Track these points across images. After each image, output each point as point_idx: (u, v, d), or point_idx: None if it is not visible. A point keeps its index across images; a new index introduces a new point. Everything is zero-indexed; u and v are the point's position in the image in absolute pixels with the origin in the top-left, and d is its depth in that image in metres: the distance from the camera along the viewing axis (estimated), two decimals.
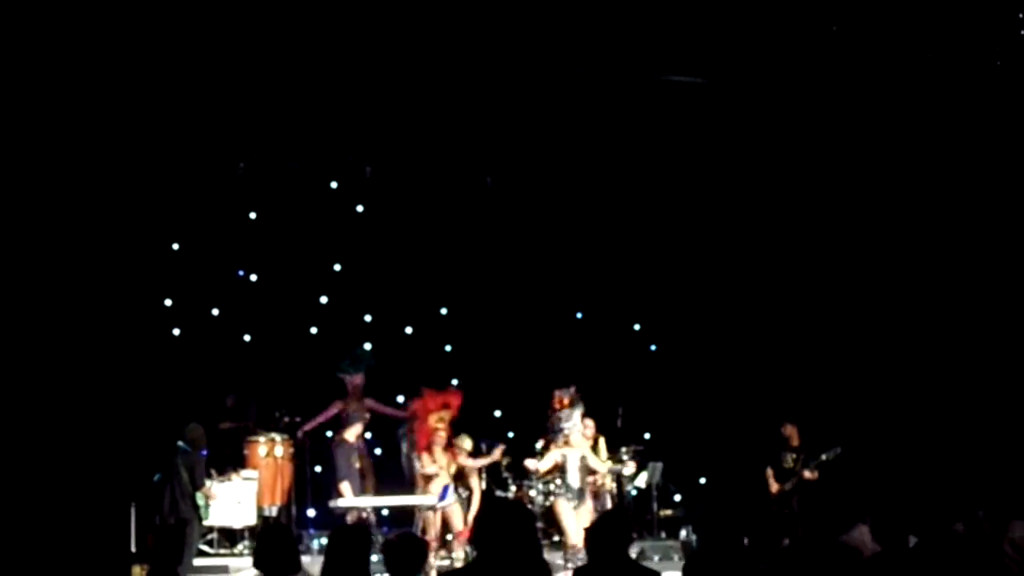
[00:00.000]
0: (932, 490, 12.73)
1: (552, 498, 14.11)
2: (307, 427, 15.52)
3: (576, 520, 13.60)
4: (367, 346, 16.37)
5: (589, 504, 14.17)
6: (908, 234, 15.88)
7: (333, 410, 15.60)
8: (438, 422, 14.76)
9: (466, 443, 15.23)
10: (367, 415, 15.62)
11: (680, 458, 16.75)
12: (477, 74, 14.50)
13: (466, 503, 14.95)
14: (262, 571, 7.19)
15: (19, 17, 12.47)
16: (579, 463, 14.08)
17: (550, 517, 15.43)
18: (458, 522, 14.58)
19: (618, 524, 7.57)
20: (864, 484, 14.43)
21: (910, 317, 15.72)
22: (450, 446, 14.90)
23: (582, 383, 16.45)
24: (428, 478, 14.48)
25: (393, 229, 17.13)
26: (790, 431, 15.47)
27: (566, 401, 14.50)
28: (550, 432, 14.45)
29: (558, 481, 14.04)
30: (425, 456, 14.61)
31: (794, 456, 15.35)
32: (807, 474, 15.03)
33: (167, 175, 15.29)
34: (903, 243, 15.93)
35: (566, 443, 14.14)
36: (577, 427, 14.27)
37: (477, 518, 7.00)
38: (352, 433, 14.81)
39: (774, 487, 15.28)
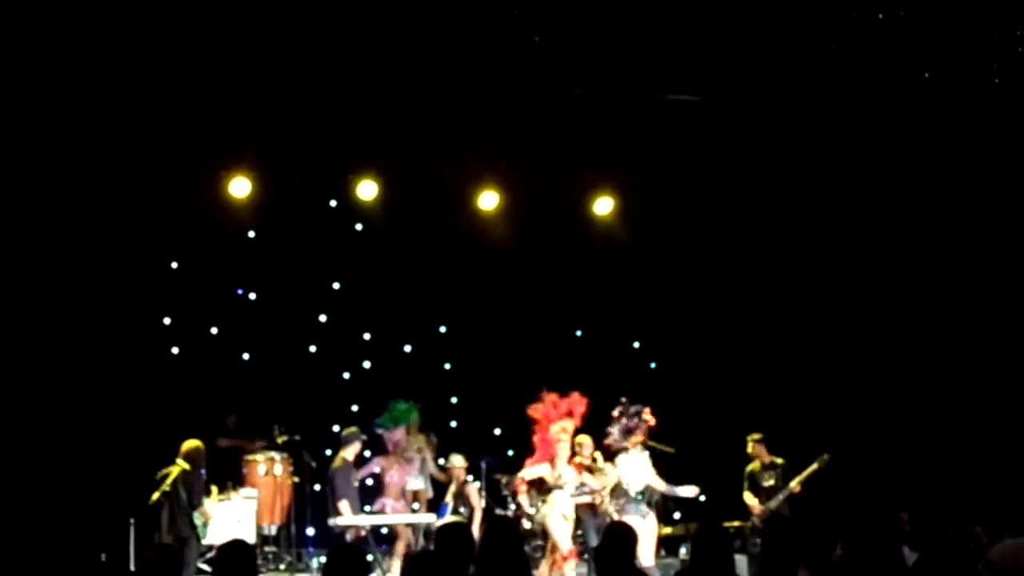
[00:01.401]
0: (929, 505, 12.73)
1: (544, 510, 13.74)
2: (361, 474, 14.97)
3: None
4: (403, 404, 15.17)
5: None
6: (903, 252, 15.92)
7: (374, 467, 15.02)
8: (560, 432, 13.74)
9: (459, 460, 15.21)
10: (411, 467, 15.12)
11: (680, 476, 16.71)
12: (476, 93, 14.52)
13: (467, 521, 14.90)
14: None
15: (21, 32, 12.51)
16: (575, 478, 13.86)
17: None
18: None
19: (624, 538, 7.64)
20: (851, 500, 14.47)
21: (905, 332, 15.75)
22: (573, 456, 13.98)
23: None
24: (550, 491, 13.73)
25: (392, 247, 17.13)
26: (756, 449, 15.39)
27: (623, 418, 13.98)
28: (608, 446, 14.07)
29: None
30: (548, 467, 13.69)
31: (770, 473, 15.29)
32: (795, 487, 14.97)
33: (166, 194, 15.31)
34: (898, 261, 15.97)
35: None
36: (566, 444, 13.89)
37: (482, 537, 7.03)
38: (351, 452, 14.77)
39: (757, 508, 15.18)
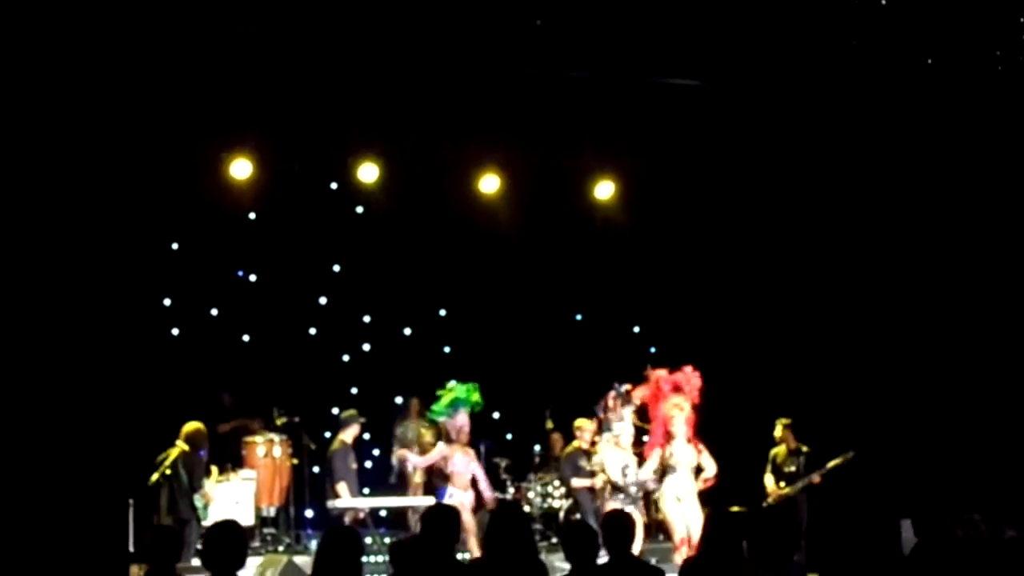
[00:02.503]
0: (929, 493, 12.75)
1: (604, 502, 13.36)
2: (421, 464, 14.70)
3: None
4: (460, 387, 14.37)
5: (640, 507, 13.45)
6: (903, 237, 15.91)
7: (436, 455, 14.36)
8: (673, 408, 13.20)
9: None
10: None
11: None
12: (477, 76, 14.50)
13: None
14: (211, 570, 7.23)
15: (18, 16, 12.48)
16: (635, 464, 13.35)
17: (549, 519, 15.48)
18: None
19: (623, 523, 7.68)
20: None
21: (907, 320, 15.74)
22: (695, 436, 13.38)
23: (581, 385, 16.49)
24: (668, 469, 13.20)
25: (393, 230, 17.13)
26: (784, 433, 15.41)
27: (618, 403, 13.52)
28: (600, 431, 13.75)
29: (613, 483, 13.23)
30: (660, 451, 13.19)
31: (792, 459, 15.29)
32: (815, 478, 14.96)
33: (166, 175, 15.30)
34: (898, 245, 15.96)
35: (616, 444, 13.44)
36: (629, 429, 13.52)
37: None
38: (349, 434, 14.78)
39: (773, 492, 15.20)
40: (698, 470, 13.29)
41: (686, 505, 13.08)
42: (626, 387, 13.53)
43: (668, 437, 13.13)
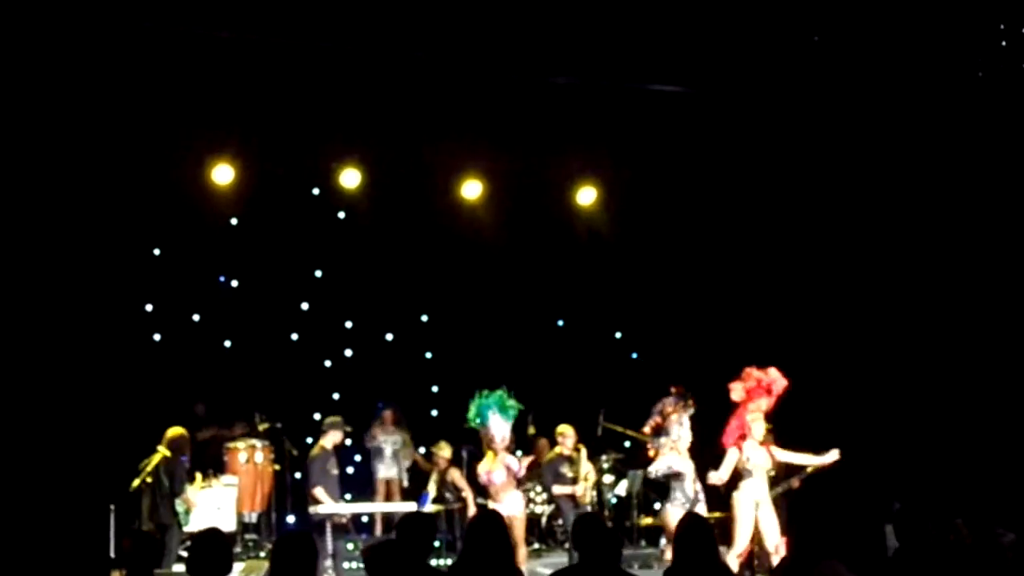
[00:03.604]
0: (911, 496, 12.75)
1: (666, 505, 13.25)
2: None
3: None
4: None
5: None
6: (888, 243, 15.94)
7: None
8: (756, 411, 13.03)
9: (445, 451, 15.18)
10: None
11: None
12: (460, 82, 14.50)
13: (461, 508, 14.87)
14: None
15: (6, 27, 12.46)
16: (693, 471, 13.19)
17: (531, 525, 15.43)
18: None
19: (606, 528, 7.68)
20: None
21: (895, 324, 15.77)
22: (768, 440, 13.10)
23: (563, 391, 16.50)
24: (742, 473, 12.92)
25: (375, 236, 17.12)
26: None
27: (678, 407, 13.36)
28: (658, 435, 13.49)
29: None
30: (736, 453, 12.92)
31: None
32: (795, 483, 14.95)
33: (148, 181, 15.27)
34: (883, 252, 15.98)
35: (673, 449, 13.26)
36: (688, 435, 13.30)
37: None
38: (330, 440, 14.75)
39: None
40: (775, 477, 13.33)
41: (763, 511, 12.87)
42: (676, 392, 13.46)
43: (742, 441, 12.91)
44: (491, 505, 12.78)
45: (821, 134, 15.51)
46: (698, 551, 7.34)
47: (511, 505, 12.81)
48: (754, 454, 12.93)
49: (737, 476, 12.87)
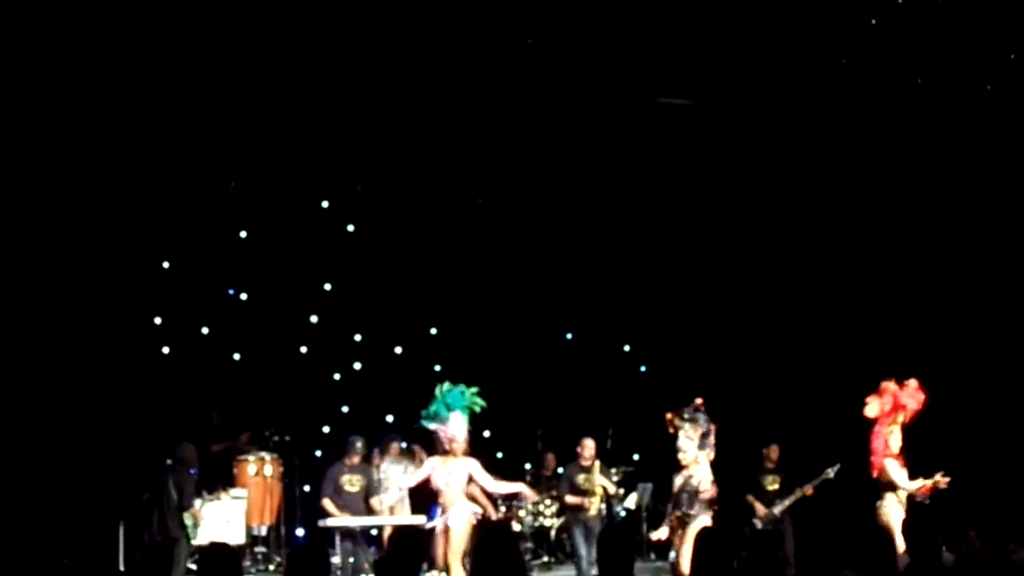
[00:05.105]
0: (923, 511, 12.71)
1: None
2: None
3: None
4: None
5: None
6: (891, 259, 15.95)
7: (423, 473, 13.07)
8: (891, 424, 12.81)
9: None
10: None
11: (670, 479, 16.71)
12: (469, 94, 14.53)
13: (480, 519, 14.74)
14: None
15: (13, 33, 12.49)
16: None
17: (540, 537, 15.41)
18: None
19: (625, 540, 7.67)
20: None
21: (900, 336, 15.75)
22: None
23: (572, 404, 16.48)
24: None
25: (384, 248, 17.13)
26: (774, 453, 15.41)
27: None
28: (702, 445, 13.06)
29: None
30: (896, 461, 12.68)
31: (774, 477, 15.30)
32: (808, 490, 14.93)
33: (158, 193, 15.30)
34: (886, 268, 16.00)
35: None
36: (692, 450, 12.96)
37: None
38: (348, 458, 14.70)
39: (761, 510, 15.17)
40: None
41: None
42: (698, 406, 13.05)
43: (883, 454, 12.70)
44: (441, 514, 12.45)
45: (828, 147, 15.52)
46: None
47: (460, 516, 12.36)
48: (890, 467, 12.71)
49: (880, 487, 12.71)
